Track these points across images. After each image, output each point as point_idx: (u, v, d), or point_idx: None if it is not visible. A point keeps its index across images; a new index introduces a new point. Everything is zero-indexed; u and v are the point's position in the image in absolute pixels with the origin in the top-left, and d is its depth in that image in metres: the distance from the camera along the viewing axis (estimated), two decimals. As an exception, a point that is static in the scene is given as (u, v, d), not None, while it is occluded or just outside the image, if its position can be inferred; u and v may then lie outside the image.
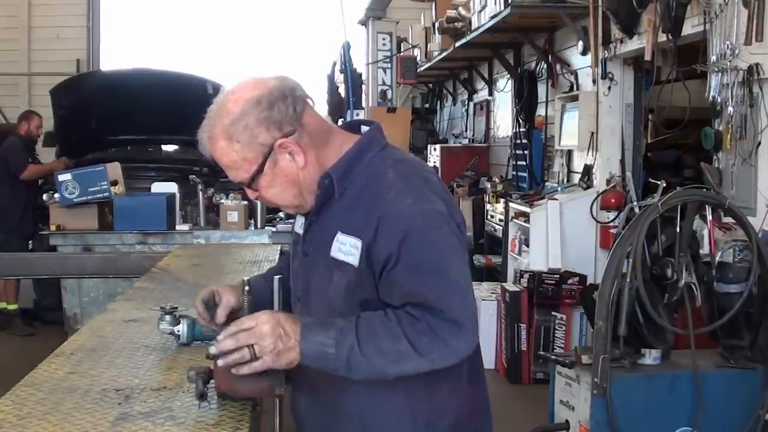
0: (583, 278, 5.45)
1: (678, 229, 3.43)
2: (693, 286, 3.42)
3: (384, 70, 11.00)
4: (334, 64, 11.40)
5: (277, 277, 1.97)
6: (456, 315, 1.73)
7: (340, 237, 1.81)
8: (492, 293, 6.05)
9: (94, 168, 6.13)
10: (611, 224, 5.38)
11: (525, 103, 7.61)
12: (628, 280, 3.32)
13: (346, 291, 1.82)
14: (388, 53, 11.04)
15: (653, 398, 3.44)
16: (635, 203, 3.79)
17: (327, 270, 1.84)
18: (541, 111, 7.48)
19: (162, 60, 13.38)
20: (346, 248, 1.80)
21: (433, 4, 9.11)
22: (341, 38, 10.55)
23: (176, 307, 2.41)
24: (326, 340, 1.73)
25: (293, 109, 1.81)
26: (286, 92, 1.81)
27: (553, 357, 3.77)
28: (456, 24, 8.11)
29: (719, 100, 4.08)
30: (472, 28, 7.38)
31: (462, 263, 1.80)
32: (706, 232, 3.60)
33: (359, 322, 1.76)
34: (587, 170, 6.09)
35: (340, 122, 4.57)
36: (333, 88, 11.66)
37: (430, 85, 13.40)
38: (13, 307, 7.56)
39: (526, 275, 5.66)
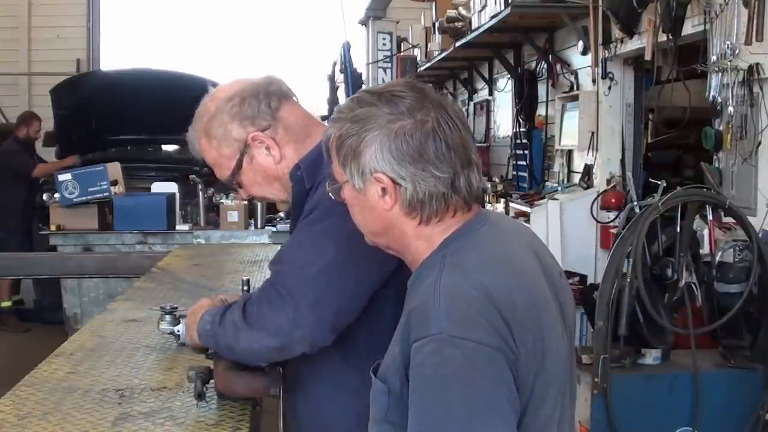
0: (583, 278, 5.45)
1: (678, 229, 3.43)
2: (693, 286, 3.42)
3: (384, 70, 11.00)
4: (334, 64, 11.40)
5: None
6: (285, 291, 1.70)
7: None
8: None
9: (94, 168, 6.14)
10: (611, 224, 5.37)
11: (525, 103, 7.60)
12: (628, 280, 3.32)
13: None
14: (388, 53, 11.04)
15: (653, 398, 3.44)
16: (635, 203, 3.80)
17: None
18: (541, 111, 7.48)
19: (162, 60, 13.39)
20: None
21: (433, 4, 9.10)
22: (341, 38, 10.56)
23: (176, 307, 2.41)
24: (208, 317, 1.83)
25: (267, 105, 1.85)
26: (260, 89, 1.86)
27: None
28: (456, 24, 8.10)
29: (719, 100, 4.08)
30: (472, 28, 7.37)
31: (347, 260, 1.69)
32: (706, 232, 3.60)
33: (235, 302, 1.83)
34: (587, 170, 6.08)
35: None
36: (333, 88, 11.66)
37: (430, 85, 13.38)
38: (6, 304, 7.57)
39: (527, 275, 5.64)
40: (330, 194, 1.52)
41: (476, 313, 1.29)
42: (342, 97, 10.97)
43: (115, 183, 6.16)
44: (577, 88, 6.31)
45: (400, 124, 1.39)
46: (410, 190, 1.39)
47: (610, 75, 5.72)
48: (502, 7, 6.17)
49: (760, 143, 3.92)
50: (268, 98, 1.86)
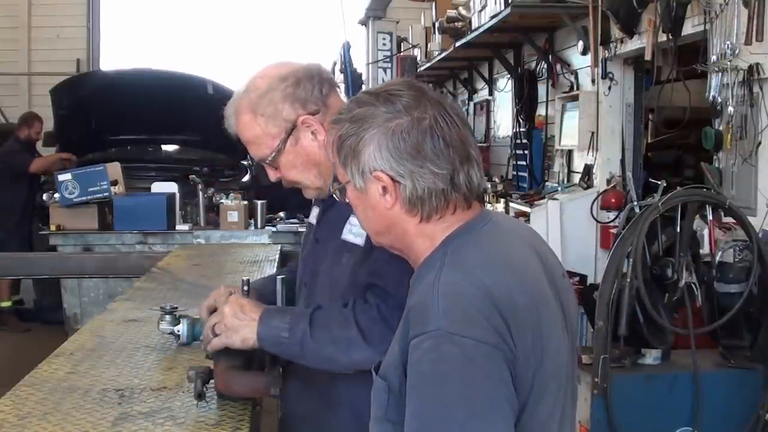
0: (583, 278, 5.44)
1: (678, 229, 3.43)
2: (693, 286, 3.42)
3: (384, 70, 11.00)
4: (334, 64, 11.39)
5: (279, 276, 1.99)
6: None
7: (352, 219, 1.83)
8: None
9: (94, 168, 6.13)
10: (611, 224, 5.37)
11: (525, 103, 7.60)
12: (628, 280, 3.32)
13: (352, 272, 1.83)
14: (388, 53, 11.04)
15: (653, 398, 3.44)
16: (635, 203, 3.80)
17: (336, 252, 1.86)
18: (541, 111, 7.48)
19: (162, 60, 13.38)
20: (356, 230, 1.82)
21: (433, 4, 9.10)
22: (341, 38, 10.56)
23: (176, 307, 2.42)
24: (281, 324, 1.79)
25: (319, 90, 1.87)
26: (314, 73, 1.88)
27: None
28: (456, 24, 8.10)
29: (719, 100, 4.08)
30: (472, 28, 7.37)
31: None
32: (706, 232, 3.60)
33: (316, 310, 1.80)
34: (587, 170, 6.08)
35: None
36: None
37: (431, 85, 13.37)
38: (6, 304, 7.57)
39: (527, 275, 5.64)
40: (334, 195, 1.53)
41: (475, 310, 1.29)
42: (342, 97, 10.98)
43: (115, 183, 6.15)
44: (577, 88, 6.31)
45: (397, 122, 1.40)
46: (409, 187, 1.40)
47: (610, 75, 5.72)
48: (502, 7, 6.17)
49: (760, 143, 3.92)
50: (321, 84, 1.87)
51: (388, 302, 1.73)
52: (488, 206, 7.79)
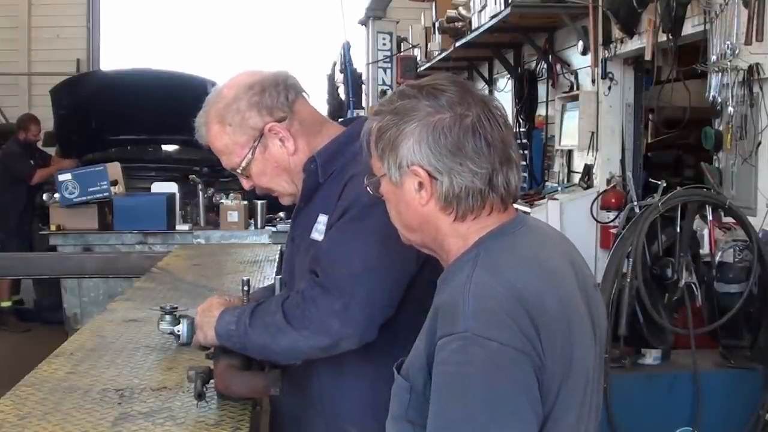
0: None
1: (678, 229, 3.43)
2: (693, 286, 3.42)
3: (384, 70, 11.02)
4: (334, 64, 11.40)
5: (279, 277, 2.00)
6: (333, 291, 1.72)
7: (320, 218, 1.85)
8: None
9: (94, 168, 6.12)
10: (611, 224, 5.38)
11: (525, 103, 7.62)
12: (628, 280, 3.32)
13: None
14: (388, 53, 11.06)
15: (653, 398, 3.44)
16: (635, 203, 3.80)
17: (306, 251, 1.87)
18: (541, 111, 7.48)
19: (162, 60, 13.39)
20: (321, 227, 1.85)
21: (433, 4, 9.11)
22: (341, 38, 10.57)
23: (176, 307, 2.41)
24: (231, 318, 1.84)
25: (285, 97, 1.87)
26: (279, 81, 1.88)
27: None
28: (456, 24, 8.11)
29: (719, 100, 4.08)
30: (472, 28, 7.38)
31: (388, 257, 1.70)
32: (706, 232, 3.60)
33: (262, 302, 1.84)
34: (587, 170, 6.09)
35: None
36: (333, 88, 11.66)
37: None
38: (6, 304, 7.57)
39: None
40: (368, 189, 1.51)
41: (504, 313, 1.27)
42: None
43: (115, 183, 6.15)
44: (577, 88, 6.31)
45: (440, 117, 1.37)
46: (446, 184, 1.37)
47: (610, 75, 5.72)
48: (502, 7, 6.17)
49: (760, 143, 3.93)
50: (287, 91, 1.87)
51: (313, 286, 1.75)
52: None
